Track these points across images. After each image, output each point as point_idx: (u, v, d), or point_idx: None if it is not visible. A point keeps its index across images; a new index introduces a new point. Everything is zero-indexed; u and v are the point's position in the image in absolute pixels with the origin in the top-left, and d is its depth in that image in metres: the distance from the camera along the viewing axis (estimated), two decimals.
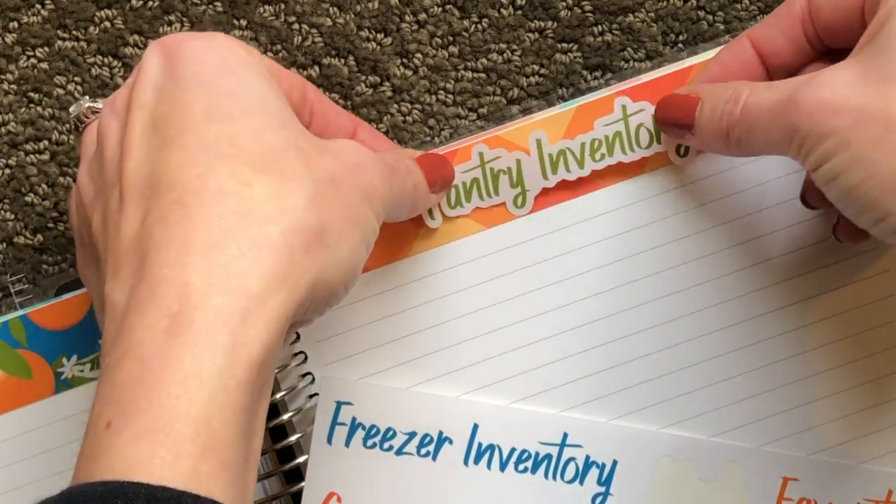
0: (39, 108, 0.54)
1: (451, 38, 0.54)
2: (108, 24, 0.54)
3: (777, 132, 0.41)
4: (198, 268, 0.35)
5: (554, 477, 0.49)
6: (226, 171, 0.37)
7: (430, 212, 0.48)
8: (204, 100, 0.39)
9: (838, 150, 0.39)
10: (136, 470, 0.33)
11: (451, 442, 0.49)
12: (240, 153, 0.38)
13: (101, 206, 0.39)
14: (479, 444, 0.49)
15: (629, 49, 0.54)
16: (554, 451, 0.49)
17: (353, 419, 0.49)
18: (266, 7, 0.54)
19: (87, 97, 0.46)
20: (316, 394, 0.49)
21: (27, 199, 0.54)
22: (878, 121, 0.38)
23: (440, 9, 0.54)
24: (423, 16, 0.54)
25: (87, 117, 0.45)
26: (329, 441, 0.49)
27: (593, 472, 0.49)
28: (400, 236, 0.49)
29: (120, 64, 0.54)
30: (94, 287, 0.42)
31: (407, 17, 0.54)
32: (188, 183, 0.37)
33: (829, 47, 0.45)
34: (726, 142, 0.44)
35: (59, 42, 0.54)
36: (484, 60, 0.54)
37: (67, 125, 0.54)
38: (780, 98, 0.41)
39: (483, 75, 0.54)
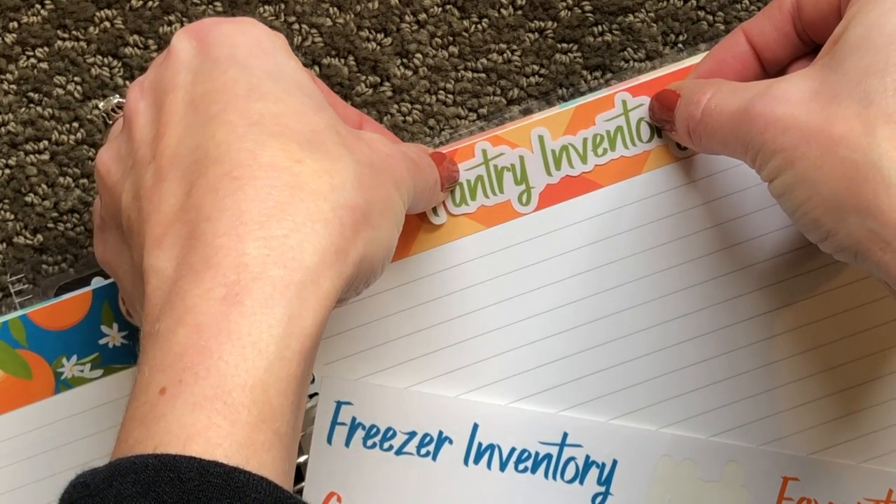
0: (39, 108, 0.54)
1: (451, 38, 0.54)
2: (108, 24, 0.54)
3: (733, 141, 0.41)
4: (254, 238, 0.35)
5: (554, 477, 0.49)
6: (276, 147, 0.37)
7: (434, 209, 0.49)
8: (245, 80, 0.39)
9: (784, 168, 0.39)
10: (193, 437, 0.33)
11: (451, 442, 0.49)
12: (286, 131, 0.37)
13: (131, 185, 0.39)
14: (479, 444, 0.49)
15: (629, 49, 0.54)
16: (554, 450, 0.49)
17: (353, 419, 0.49)
18: (266, 7, 0.54)
19: (116, 95, 0.46)
20: (316, 394, 0.49)
21: (27, 199, 0.53)
22: (819, 141, 0.38)
23: (440, 9, 0.54)
24: (423, 16, 0.54)
25: (115, 112, 0.45)
26: (329, 441, 0.49)
27: (593, 472, 0.49)
28: (402, 234, 0.49)
29: (120, 64, 0.54)
30: (123, 264, 0.41)
31: (407, 17, 0.54)
32: (238, 156, 0.36)
33: (817, 43, 0.45)
34: (691, 141, 0.45)
35: (59, 42, 0.54)
36: (484, 60, 0.54)
37: (69, 125, 0.54)
38: (738, 108, 0.41)
39: (483, 75, 0.54)
